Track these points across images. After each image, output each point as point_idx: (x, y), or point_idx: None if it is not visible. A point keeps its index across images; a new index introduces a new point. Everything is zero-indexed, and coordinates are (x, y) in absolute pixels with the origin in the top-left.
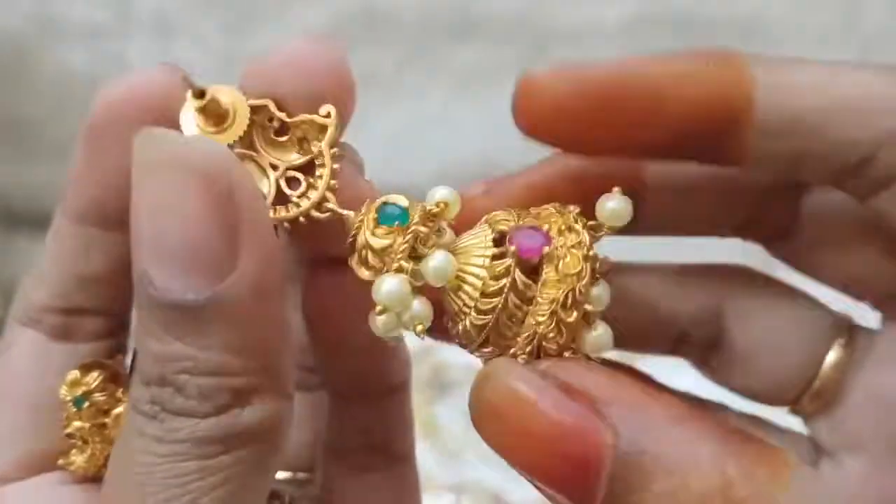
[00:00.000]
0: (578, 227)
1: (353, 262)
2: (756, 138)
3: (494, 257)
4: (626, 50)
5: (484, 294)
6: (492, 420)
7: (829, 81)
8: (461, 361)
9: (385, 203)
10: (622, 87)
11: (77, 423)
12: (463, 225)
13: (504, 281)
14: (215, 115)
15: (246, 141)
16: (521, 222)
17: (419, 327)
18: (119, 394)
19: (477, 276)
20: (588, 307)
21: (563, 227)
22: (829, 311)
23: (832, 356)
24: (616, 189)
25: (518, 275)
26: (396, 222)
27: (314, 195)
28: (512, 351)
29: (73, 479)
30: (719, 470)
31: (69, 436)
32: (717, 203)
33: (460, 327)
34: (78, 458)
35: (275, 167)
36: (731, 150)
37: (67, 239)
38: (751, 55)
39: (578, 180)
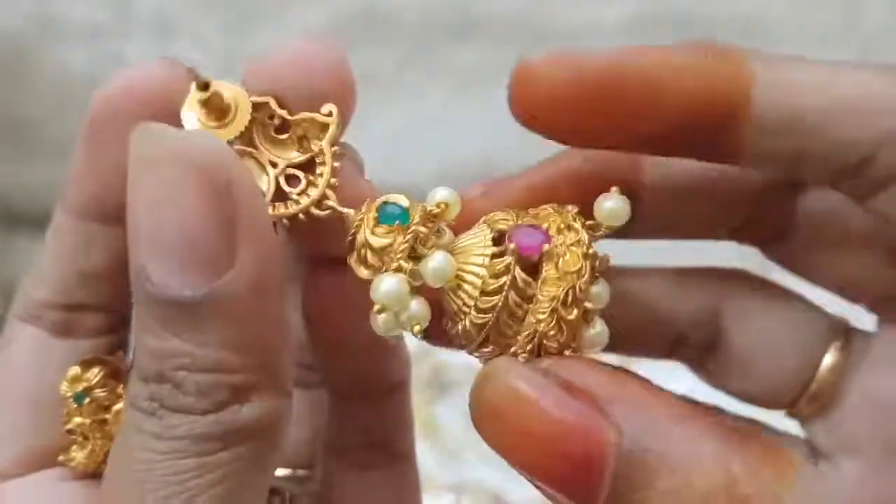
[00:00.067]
0: (577, 225)
1: (352, 260)
2: (754, 136)
3: (494, 256)
4: None
5: (484, 292)
6: (492, 420)
7: (830, 81)
8: (461, 361)
9: (385, 202)
10: (620, 76)
11: (77, 420)
12: (461, 226)
13: (504, 279)
14: (217, 109)
15: (246, 137)
16: (519, 222)
17: (417, 327)
18: (119, 390)
19: (476, 275)
20: (588, 305)
21: (562, 226)
22: (825, 313)
23: (829, 359)
24: (614, 189)
25: (518, 272)
26: (397, 222)
27: (314, 193)
28: (512, 350)
29: (73, 476)
30: (724, 467)
31: (70, 432)
32: (714, 205)
33: (460, 327)
34: (78, 455)
35: (274, 164)
36: (727, 145)
37: (68, 235)
38: (750, 51)
39: (577, 182)
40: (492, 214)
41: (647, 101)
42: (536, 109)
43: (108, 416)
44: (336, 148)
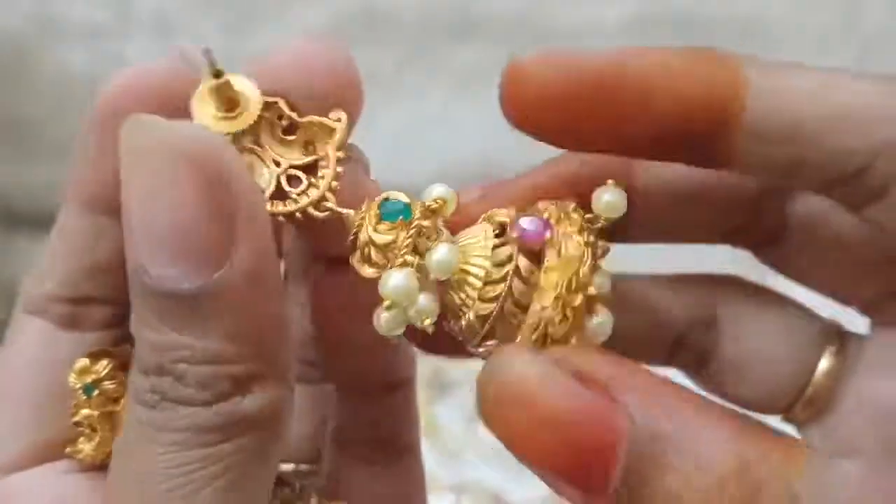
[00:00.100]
0: (576, 216)
1: (355, 260)
2: (747, 142)
3: (496, 247)
4: None
5: (487, 282)
6: (500, 408)
7: (827, 89)
8: (461, 362)
9: (386, 200)
10: (612, 77)
11: (85, 411)
12: (459, 229)
13: (507, 268)
14: (227, 99)
15: (253, 134)
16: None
17: (426, 321)
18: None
19: (480, 267)
20: (591, 291)
21: (561, 216)
22: (819, 318)
23: (824, 363)
24: (610, 182)
25: (521, 260)
26: (400, 217)
27: (314, 193)
28: (518, 339)
29: (80, 468)
30: (736, 453)
31: (77, 424)
32: (707, 210)
33: (464, 322)
34: (86, 447)
35: (277, 164)
36: (719, 151)
37: (75, 228)
38: (745, 57)
39: (573, 185)
40: (491, 211)
41: (639, 104)
42: (527, 109)
43: (116, 408)
44: (341, 153)
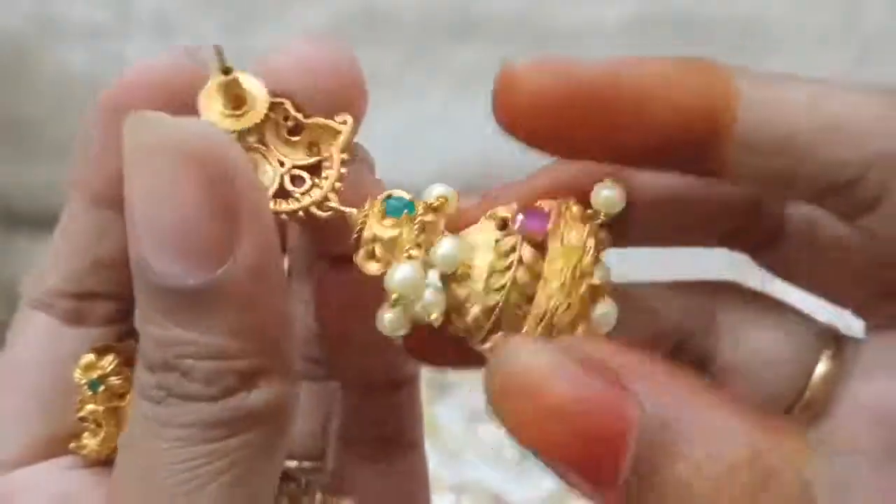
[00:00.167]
0: (576, 210)
1: (359, 257)
2: (740, 153)
3: (499, 240)
4: (626, 50)
5: (492, 273)
6: (508, 399)
7: (818, 101)
8: None
9: (389, 196)
10: (608, 86)
11: (90, 407)
12: (460, 230)
13: (511, 258)
14: (234, 96)
15: (258, 133)
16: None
17: (433, 315)
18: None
19: (484, 259)
20: (595, 281)
21: (562, 210)
22: (815, 322)
23: (821, 367)
24: (608, 178)
25: (526, 249)
26: (405, 211)
27: (317, 193)
28: (525, 329)
29: (84, 464)
30: (747, 441)
31: (82, 419)
32: (704, 213)
33: (469, 317)
34: (90, 442)
35: (281, 163)
36: (711, 162)
37: (80, 223)
38: (737, 68)
39: (573, 188)
40: (492, 210)
41: (631, 113)
42: (520, 117)
43: (121, 403)
44: (345, 155)
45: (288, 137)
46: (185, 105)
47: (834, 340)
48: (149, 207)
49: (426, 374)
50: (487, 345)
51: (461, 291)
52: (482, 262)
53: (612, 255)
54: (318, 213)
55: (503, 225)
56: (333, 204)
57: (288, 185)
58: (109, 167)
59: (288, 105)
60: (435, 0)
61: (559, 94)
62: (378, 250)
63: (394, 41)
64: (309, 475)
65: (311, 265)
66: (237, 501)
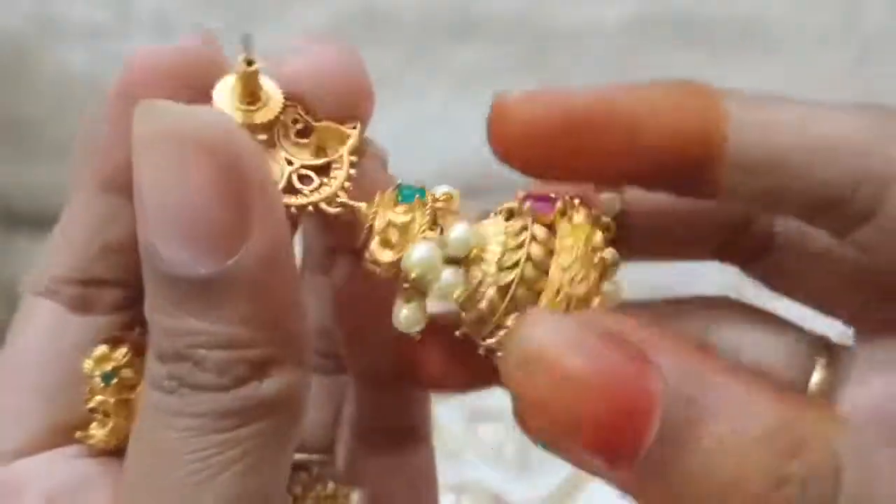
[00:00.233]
0: (578, 202)
1: (373, 247)
2: (732, 174)
3: (509, 225)
4: (626, 50)
5: (506, 252)
6: (528, 372)
7: (807, 121)
8: None
9: (400, 185)
10: (601, 114)
11: (100, 398)
12: None
13: (524, 235)
14: (250, 91)
15: (267, 132)
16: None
17: (456, 293)
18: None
19: (496, 242)
20: (606, 256)
21: (566, 199)
22: (808, 333)
23: (817, 377)
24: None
25: (537, 227)
26: (417, 195)
27: (326, 190)
28: (542, 304)
29: (90, 453)
30: (775, 413)
31: (92, 410)
32: (695, 226)
33: (483, 302)
34: (98, 432)
35: (290, 163)
36: (704, 183)
37: (87, 209)
38: (726, 90)
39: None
40: (498, 206)
41: (623, 140)
42: (513, 147)
43: (131, 395)
44: (354, 157)
45: (296, 139)
46: (199, 91)
47: (826, 349)
48: (157, 196)
49: None
50: (497, 336)
51: (475, 273)
52: (495, 245)
53: None
54: (328, 208)
55: (510, 215)
56: (343, 199)
57: (296, 184)
58: (117, 153)
59: (299, 108)
60: (435, 0)
61: (551, 123)
62: (393, 236)
63: (394, 41)
64: (320, 466)
65: (324, 258)
66: (249, 491)
